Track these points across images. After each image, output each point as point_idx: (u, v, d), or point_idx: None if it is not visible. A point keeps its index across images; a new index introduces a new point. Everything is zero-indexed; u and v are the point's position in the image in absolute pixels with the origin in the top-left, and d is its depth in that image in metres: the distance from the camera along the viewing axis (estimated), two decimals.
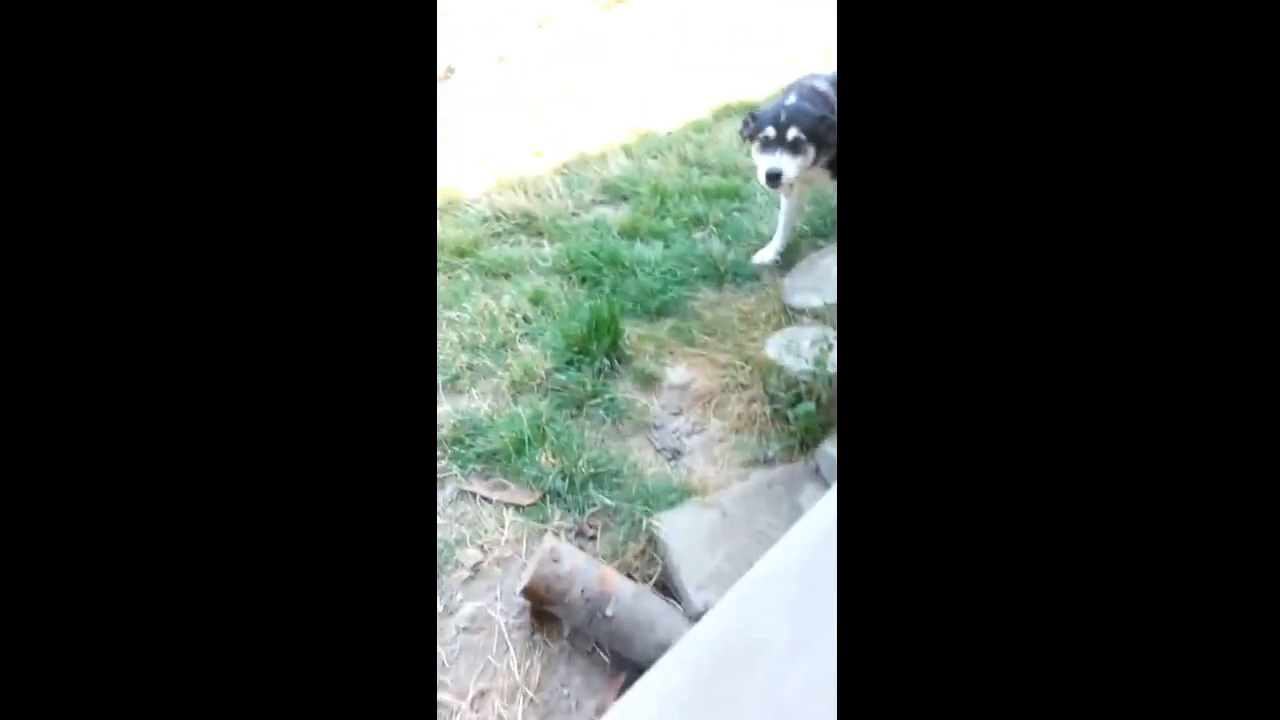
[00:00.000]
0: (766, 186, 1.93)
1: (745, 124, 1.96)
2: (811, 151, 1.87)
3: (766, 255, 2.15)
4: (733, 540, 1.36)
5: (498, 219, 2.55)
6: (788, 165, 1.86)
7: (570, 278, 2.18)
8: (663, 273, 2.12)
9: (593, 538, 1.43)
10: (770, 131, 1.86)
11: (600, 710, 1.21)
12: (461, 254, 2.34)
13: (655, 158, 2.95)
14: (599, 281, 2.11)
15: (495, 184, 2.84)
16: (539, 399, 1.73)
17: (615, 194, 2.70)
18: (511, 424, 1.63)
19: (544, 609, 1.29)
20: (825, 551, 1.17)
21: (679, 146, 2.98)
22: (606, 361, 1.78)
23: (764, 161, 1.88)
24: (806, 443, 1.51)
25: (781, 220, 2.17)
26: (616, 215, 2.55)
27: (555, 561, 1.26)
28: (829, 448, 1.46)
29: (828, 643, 1.10)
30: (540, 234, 2.47)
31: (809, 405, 1.46)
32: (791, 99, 1.92)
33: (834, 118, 1.87)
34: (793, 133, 1.84)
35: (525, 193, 2.67)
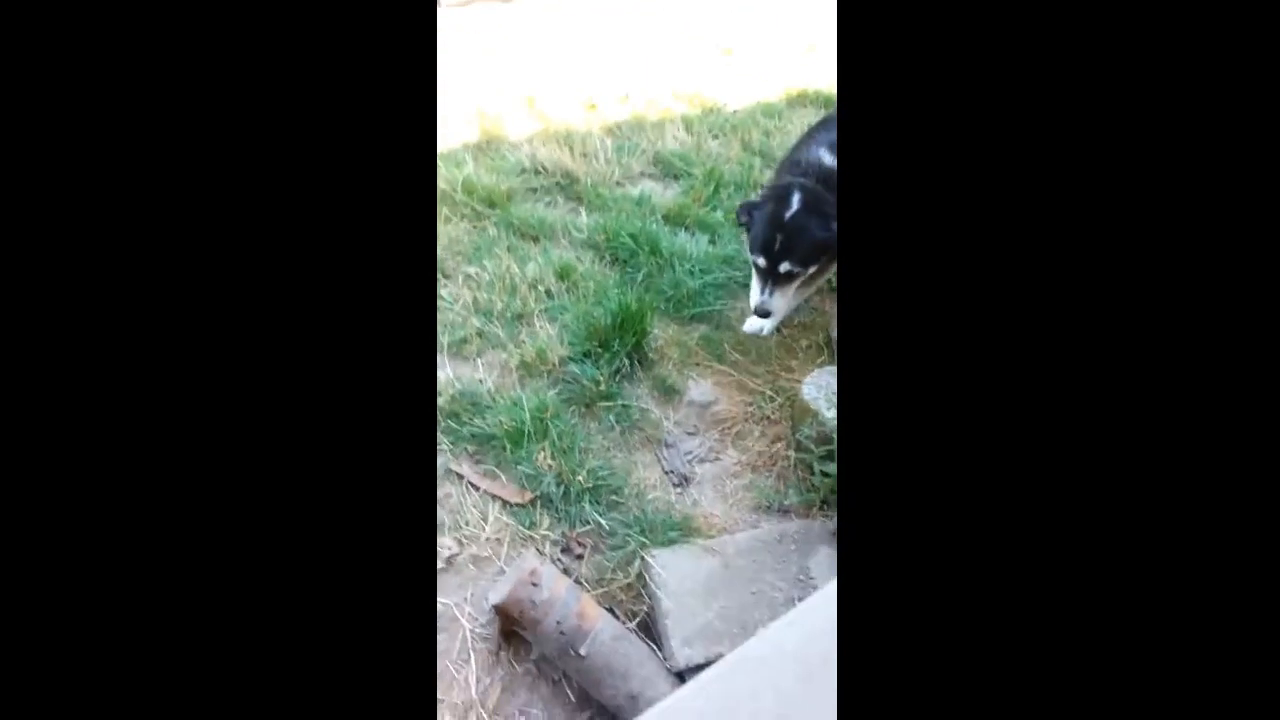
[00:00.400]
0: (752, 314, 1.68)
1: (740, 214, 1.65)
2: (809, 272, 1.61)
3: (757, 326, 1.78)
4: (730, 595, 1.25)
5: (537, 172, 2.36)
6: (778, 306, 1.62)
7: (603, 256, 2.01)
8: (703, 272, 1.95)
9: (579, 557, 1.31)
10: (760, 261, 1.57)
11: None
12: (492, 204, 2.16)
13: (716, 138, 2.74)
14: (633, 268, 1.95)
15: (540, 130, 2.63)
16: (548, 388, 1.59)
17: (667, 170, 2.50)
18: (514, 410, 1.49)
19: (514, 630, 1.18)
20: (826, 643, 1.06)
21: (744, 130, 2.77)
22: (626, 362, 1.64)
23: (754, 290, 1.65)
24: (829, 501, 1.38)
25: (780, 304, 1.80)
26: (664, 195, 2.36)
27: (534, 585, 1.14)
28: None
29: None
30: (579, 199, 2.28)
31: (835, 470, 1.32)
32: (793, 205, 1.54)
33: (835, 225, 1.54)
34: (786, 267, 1.55)
35: (571, 149, 2.47)
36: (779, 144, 2.66)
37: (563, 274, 1.89)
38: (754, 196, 1.75)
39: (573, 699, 1.15)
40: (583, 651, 1.12)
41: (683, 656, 1.16)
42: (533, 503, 1.36)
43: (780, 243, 1.53)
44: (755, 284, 1.65)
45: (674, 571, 1.26)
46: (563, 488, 1.37)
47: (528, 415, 1.47)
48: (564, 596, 1.15)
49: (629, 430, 1.54)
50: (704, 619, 1.21)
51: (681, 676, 1.16)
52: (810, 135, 1.77)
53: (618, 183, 2.39)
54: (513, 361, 1.64)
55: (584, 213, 2.20)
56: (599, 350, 1.65)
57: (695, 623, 1.20)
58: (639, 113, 2.85)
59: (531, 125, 2.69)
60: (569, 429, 1.48)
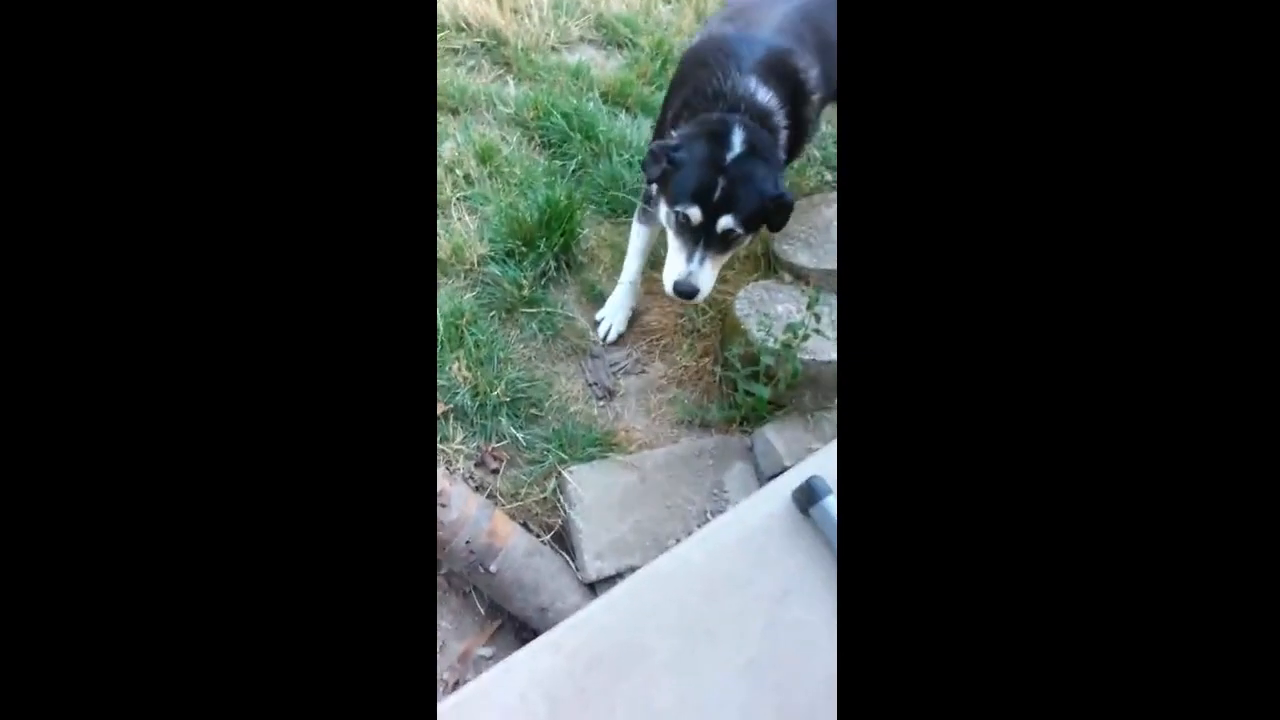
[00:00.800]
0: (670, 293, 1.26)
1: (652, 160, 1.24)
2: (748, 240, 1.29)
3: (606, 329, 1.47)
4: (645, 509, 1.26)
5: (459, 30, 2.03)
6: (707, 281, 1.22)
7: (532, 138, 1.81)
8: (642, 163, 1.78)
9: (495, 471, 1.28)
10: (693, 212, 1.18)
11: (465, 657, 1.14)
12: None
13: (669, 3, 2.42)
14: (565, 154, 1.76)
15: None
16: (465, 290, 1.47)
17: (609, 37, 2.21)
18: None
19: None
20: (733, 560, 1.10)
21: None
22: (553, 264, 1.52)
23: (675, 261, 1.22)
24: (749, 418, 1.38)
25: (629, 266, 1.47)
26: (605, 66, 2.10)
27: (443, 506, 1.11)
28: (770, 432, 1.34)
29: (709, 659, 1.02)
30: (508, 65, 2.00)
31: (762, 390, 1.30)
32: (735, 145, 1.19)
33: (779, 191, 1.22)
34: (728, 223, 1.18)
35: (500, 2, 2.12)
36: None
37: (484, 156, 1.69)
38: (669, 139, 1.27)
39: (482, 611, 1.16)
40: (493, 569, 1.12)
41: (594, 569, 1.18)
42: (446, 415, 1.30)
43: (722, 190, 1.17)
44: (676, 251, 1.23)
45: (590, 487, 1.25)
46: (479, 401, 1.31)
47: (442, 322, 1.36)
48: (474, 515, 1.13)
49: (552, 339, 1.46)
50: (617, 533, 1.23)
51: (593, 588, 1.19)
52: (723, 56, 1.29)
53: (553, 48, 2.10)
54: None
55: (512, 83, 1.94)
56: (523, 250, 1.52)
57: (608, 537, 1.22)
58: None
59: None
60: (488, 338, 1.39)
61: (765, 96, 1.26)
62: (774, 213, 1.24)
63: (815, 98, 1.36)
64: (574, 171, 1.73)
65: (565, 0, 2.24)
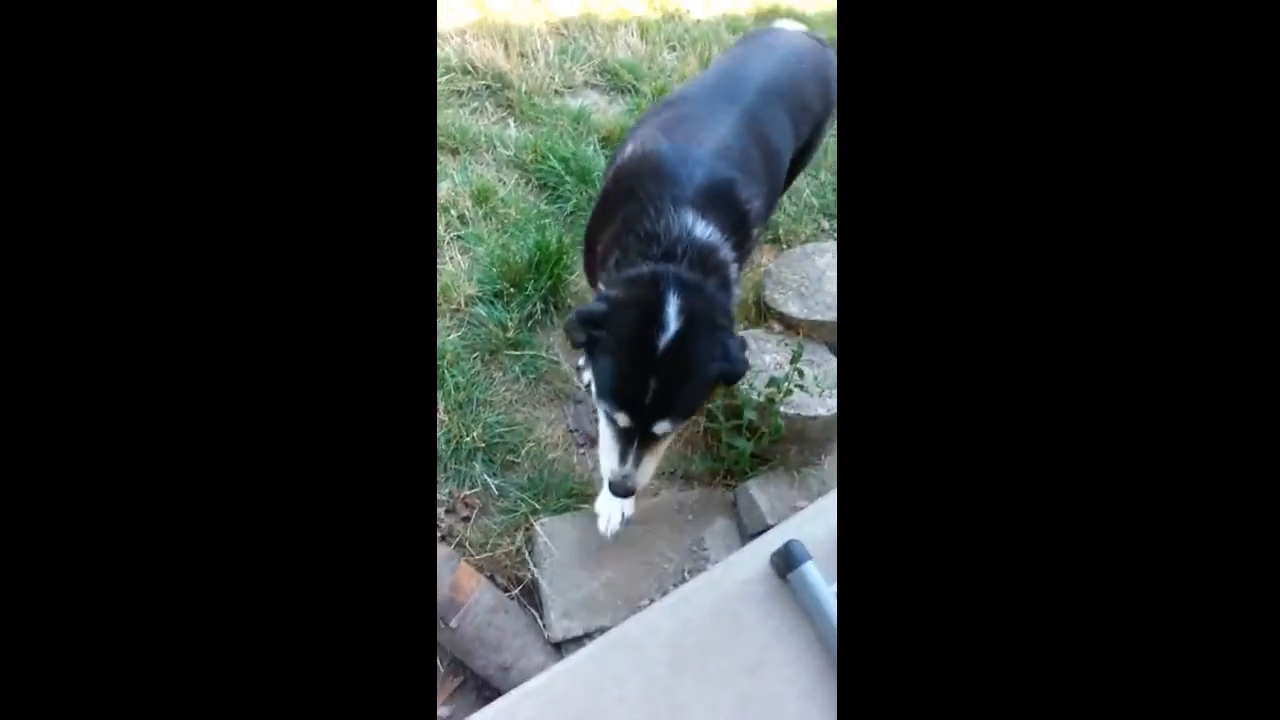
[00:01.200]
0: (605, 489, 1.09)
1: (576, 328, 1.01)
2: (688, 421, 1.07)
3: (611, 512, 1.22)
4: (619, 565, 1.21)
5: (465, 72, 2.08)
6: (646, 476, 1.04)
7: (530, 179, 1.82)
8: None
9: (466, 519, 1.24)
10: (621, 418, 0.98)
11: None
12: None
13: (674, 49, 2.46)
14: (561, 197, 1.77)
15: (477, 21, 2.30)
16: (451, 330, 1.45)
17: (613, 83, 2.24)
18: None
19: None
20: (705, 627, 1.03)
21: (704, 43, 2.49)
22: (540, 306, 1.50)
23: (608, 456, 1.04)
24: (733, 472, 1.33)
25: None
26: (607, 111, 2.13)
27: None
28: (754, 487, 1.30)
29: None
30: (510, 108, 2.03)
31: (744, 444, 1.26)
32: (669, 322, 0.94)
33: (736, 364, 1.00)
34: (663, 427, 0.98)
35: (507, 46, 2.17)
36: None
37: (480, 197, 1.70)
38: (596, 297, 1.05)
39: (441, 668, 1.11)
40: (453, 624, 1.07)
41: (560, 629, 1.13)
42: None
43: (654, 393, 0.93)
44: (609, 444, 1.03)
45: (561, 540, 1.20)
46: (453, 445, 1.28)
47: None
48: (437, 569, 1.09)
49: (535, 383, 1.43)
50: (588, 590, 1.18)
51: (560, 648, 1.13)
52: (656, 186, 1.06)
53: (556, 91, 2.13)
54: None
55: (513, 125, 1.97)
56: (511, 291, 1.51)
57: (578, 594, 1.17)
58: (591, 10, 2.52)
59: (467, 14, 2.35)
60: (469, 380, 1.37)
61: (706, 231, 1.04)
62: (726, 383, 1.05)
63: (755, 231, 1.17)
64: (569, 215, 1.73)
65: (571, 46, 2.29)
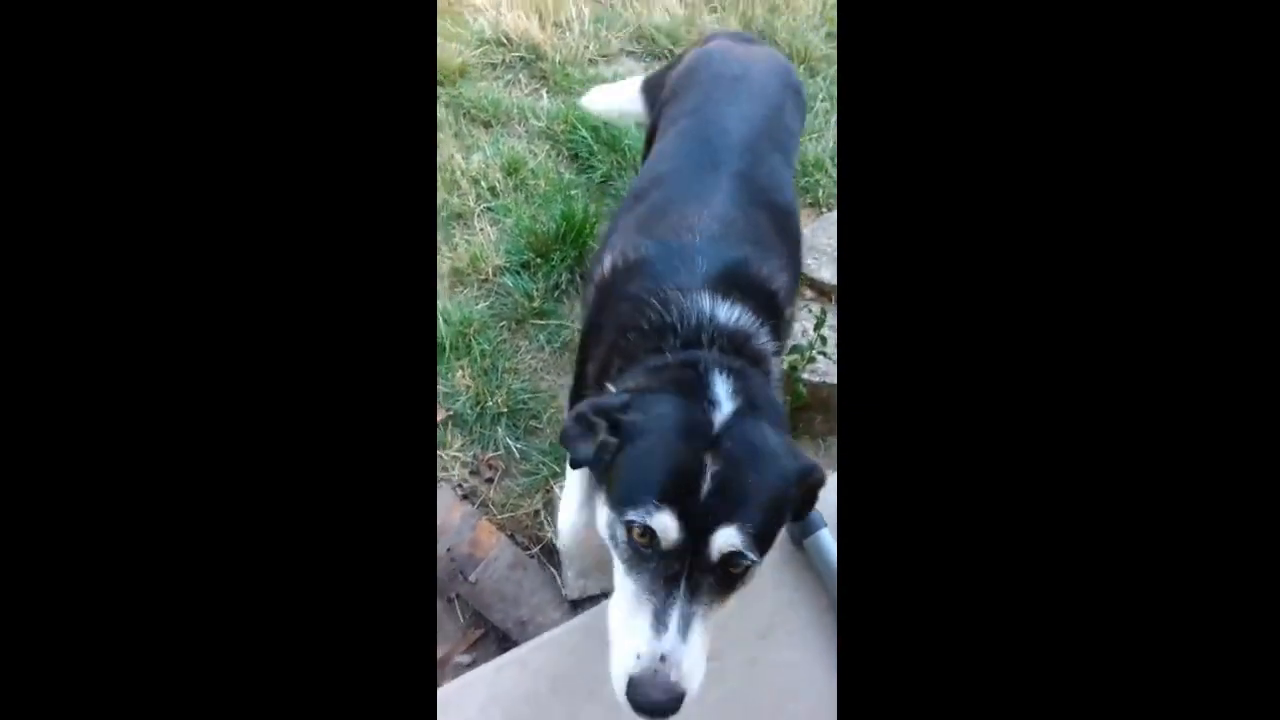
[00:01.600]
0: (622, 699, 0.69)
1: (577, 428, 0.75)
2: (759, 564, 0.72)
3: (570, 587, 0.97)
4: None
5: (499, 44, 2.09)
6: (694, 661, 0.68)
7: (560, 151, 1.82)
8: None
9: (489, 480, 1.29)
10: (667, 524, 0.66)
11: (444, 664, 1.14)
12: (442, 80, 1.93)
13: (714, 10, 2.39)
14: (591, 167, 1.76)
15: None
16: (478, 300, 1.49)
17: (649, 49, 2.20)
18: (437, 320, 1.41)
19: None
20: None
21: (747, 4, 2.40)
22: (566, 276, 1.52)
23: (633, 631, 0.67)
24: None
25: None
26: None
27: None
28: None
29: None
30: (544, 79, 2.03)
31: None
32: (722, 403, 0.72)
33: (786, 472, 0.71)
34: (728, 538, 0.66)
35: (541, 17, 2.16)
36: (784, 24, 2.31)
37: (511, 169, 1.72)
38: (606, 393, 0.82)
39: (463, 619, 1.16)
40: (472, 578, 1.12)
41: (577, 588, 1.16)
42: (445, 422, 1.32)
43: (713, 482, 0.66)
44: (632, 610, 0.69)
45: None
46: (478, 410, 1.32)
47: (449, 330, 1.38)
48: (458, 525, 1.14)
49: (559, 351, 1.45)
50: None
51: (576, 606, 1.16)
52: (653, 284, 0.86)
53: (591, 60, 2.11)
54: (443, 267, 1.53)
55: (546, 96, 1.97)
56: (538, 261, 1.53)
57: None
58: None
59: None
60: (494, 348, 1.40)
61: (732, 314, 0.83)
62: (801, 502, 0.76)
63: (788, 312, 0.97)
64: (599, 184, 1.73)
65: (608, 12, 2.26)
